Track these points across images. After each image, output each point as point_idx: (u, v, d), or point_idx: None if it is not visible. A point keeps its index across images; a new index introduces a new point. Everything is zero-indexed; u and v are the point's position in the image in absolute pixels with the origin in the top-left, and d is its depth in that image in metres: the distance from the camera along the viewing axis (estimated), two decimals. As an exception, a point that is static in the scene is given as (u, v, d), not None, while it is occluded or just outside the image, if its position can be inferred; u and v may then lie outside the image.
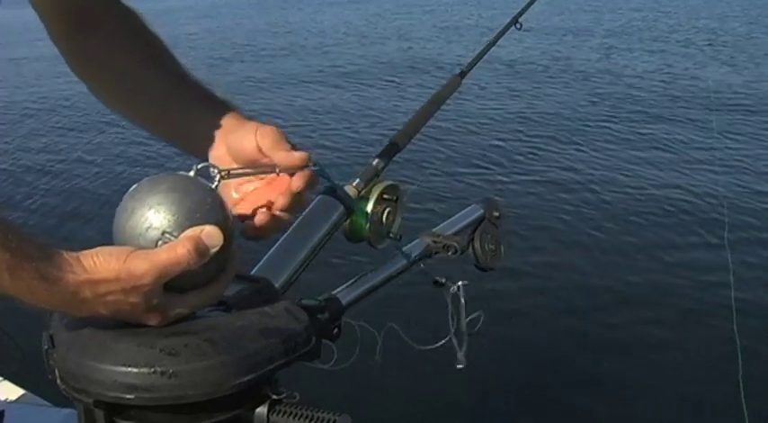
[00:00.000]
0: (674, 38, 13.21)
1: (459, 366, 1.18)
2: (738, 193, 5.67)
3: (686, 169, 6.29)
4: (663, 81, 9.81)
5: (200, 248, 0.75)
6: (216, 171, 0.84)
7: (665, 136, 7.31)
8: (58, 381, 0.77)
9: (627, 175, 6.16)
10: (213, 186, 0.83)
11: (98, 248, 0.75)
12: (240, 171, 0.90)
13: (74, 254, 0.74)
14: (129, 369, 0.72)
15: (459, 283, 1.16)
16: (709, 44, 12.35)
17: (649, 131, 7.49)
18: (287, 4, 20.05)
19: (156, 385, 0.72)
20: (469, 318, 1.16)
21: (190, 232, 0.76)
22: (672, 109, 8.37)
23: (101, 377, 0.73)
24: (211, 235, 0.76)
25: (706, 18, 15.34)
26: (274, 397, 0.78)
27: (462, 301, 1.15)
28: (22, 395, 1.51)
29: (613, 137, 7.27)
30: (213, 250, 0.76)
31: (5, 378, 1.30)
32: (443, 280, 1.15)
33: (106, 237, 0.79)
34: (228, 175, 0.87)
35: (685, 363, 3.68)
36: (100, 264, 0.73)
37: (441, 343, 1.15)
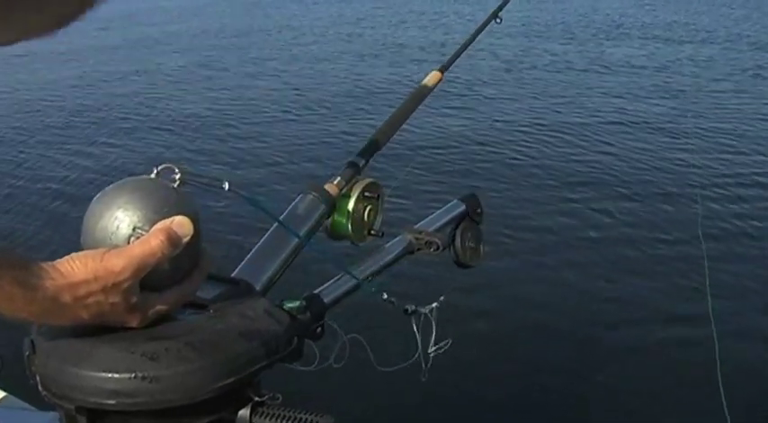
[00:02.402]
0: (657, 30, 13.26)
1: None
2: (716, 200, 5.69)
3: (671, 167, 6.28)
4: (646, 73, 9.86)
5: (172, 238, 0.75)
6: (177, 173, 0.83)
7: (650, 131, 7.32)
8: (40, 387, 0.77)
9: (610, 173, 6.15)
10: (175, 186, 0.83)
11: (72, 254, 0.75)
12: (198, 180, 0.87)
13: (50, 263, 0.73)
14: (110, 375, 0.72)
15: (434, 304, 1.14)
16: (692, 38, 12.39)
17: (634, 125, 7.50)
18: (265, 2, 19.94)
19: (137, 390, 0.72)
20: (438, 346, 1.16)
21: (160, 224, 0.76)
22: (655, 100, 8.40)
23: (82, 383, 0.72)
24: (182, 224, 0.77)
25: (689, 11, 15.42)
26: (257, 399, 0.78)
27: (434, 324, 1.14)
28: (4, 398, 1.50)
29: (595, 132, 7.27)
30: (185, 239, 0.77)
31: None
32: (413, 307, 1.13)
33: (73, 248, 0.79)
34: (186, 180, 0.85)
35: (665, 370, 3.63)
36: (77, 267, 0.73)
37: (408, 363, 1.15)
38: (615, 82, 9.41)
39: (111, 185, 0.81)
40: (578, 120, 7.72)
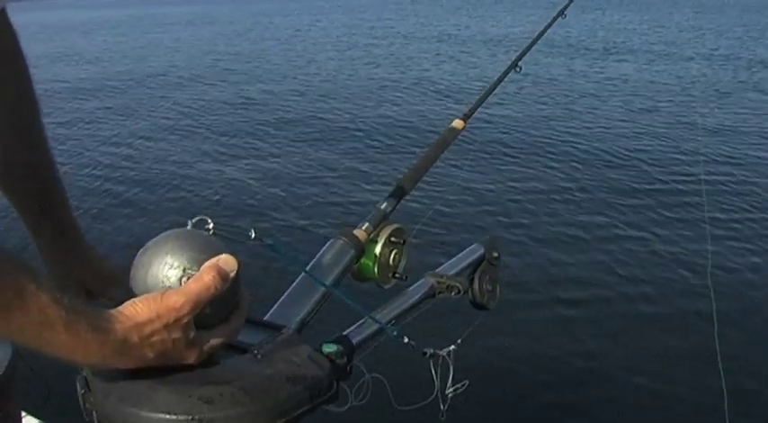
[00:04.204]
0: (676, 79, 13.31)
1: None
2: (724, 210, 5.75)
3: (680, 219, 6.33)
4: (664, 123, 9.91)
5: (222, 273, 0.82)
6: (210, 223, 0.90)
7: (665, 183, 7.34)
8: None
9: (629, 222, 6.20)
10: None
11: (133, 299, 0.81)
12: (228, 229, 0.94)
13: (116, 308, 0.79)
14: (168, 416, 0.76)
15: (452, 347, 1.19)
16: (706, 86, 12.44)
17: (651, 177, 7.53)
18: (286, 48, 19.86)
19: None
20: (455, 387, 1.20)
21: (209, 262, 0.83)
22: (673, 156, 8.42)
23: None
24: (228, 261, 0.84)
25: (709, 58, 15.47)
26: None
27: (451, 366, 1.18)
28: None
29: (616, 182, 7.32)
30: (232, 274, 0.84)
31: (29, 413, 1.32)
32: (431, 351, 1.17)
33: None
34: (216, 230, 0.92)
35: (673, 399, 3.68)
36: (140, 308, 0.79)
37: (426, 402, 1.20)
38: (643, 131, 9.46)
39: (155, 238, 0.88)
40: (596, 169, 7.80)
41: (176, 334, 0.80)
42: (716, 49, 17.05)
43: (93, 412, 0.82)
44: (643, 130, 9.49)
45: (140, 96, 12.86)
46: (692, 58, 15.60)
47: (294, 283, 1.13)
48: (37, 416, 1.50)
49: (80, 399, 0.84)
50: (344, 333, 1.11)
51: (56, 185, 1.31)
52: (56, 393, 1.09)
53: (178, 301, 0.80)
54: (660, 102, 11.35)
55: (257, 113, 11.19)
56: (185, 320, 0.81)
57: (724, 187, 7.08)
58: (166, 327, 0.79)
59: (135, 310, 0.79)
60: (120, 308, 0.80)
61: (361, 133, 9.58)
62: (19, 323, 0.73)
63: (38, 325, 0.73)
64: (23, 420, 1.09)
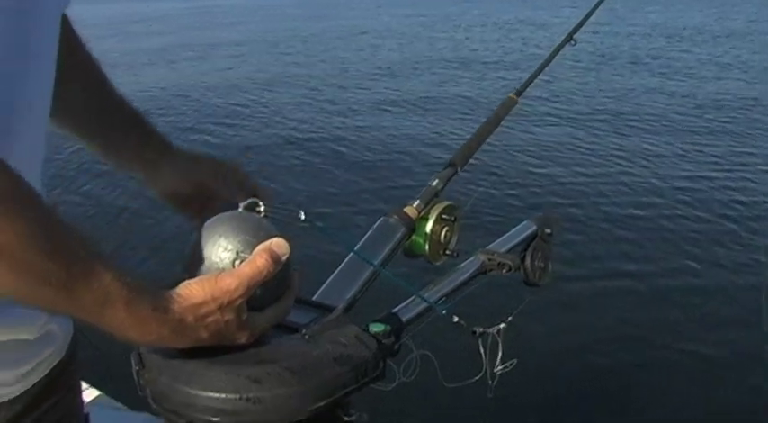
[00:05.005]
0: (735, 55, 12.84)
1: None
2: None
3: (747, 193, 6.15)
4: (725, 98, 9.60)
5: (274, 256, 0.84)
6: (261, 206, 0.92)
7: (732, 155, 7.14)
8: (150, 399, 0.84)
9: (683, 200, 6.04)
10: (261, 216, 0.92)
11: (189, 280, 0.83)
12: (279, 211, 0.95)
13: (173, 289, 0.81)
14: (218, 394, 0.79)
15: (501, 325, 1.19)
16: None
17: (713, 149, 7.32)
18: (342, 39, 19.70)
19: (241, 410, 0.78)
20: (504, 365, 1.20)
21: (262, 246, 0.85)
22: (735, 125, 8.19)
23: (192, 401, 0.79)
24: (280, 244, 0.86)
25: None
26: (346, 419, 0.85)
27: (500, 344, 1.18)
28: (103, 398, 1.58)
29: (673, 155, 7.15)
30: (284, 257, 0.86)
31: (90, 384, 1.37)
32: (480, 329, 1.17)
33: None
34: (267, 212, 0.94)
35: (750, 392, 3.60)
36: (195, 290, 0.81)
37: (475, 380, 1.20)
38: (700, 106, 9.20)
39: (208, 220, 0.89)
40: (652, 142, 7.63)
41: (229, 315, 0.82)
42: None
43: (147, 388, 0.84)
44: (707, 104, 9.23)
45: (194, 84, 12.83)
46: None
47: (343, 263, 1.13)
48: (97, 386, 1.56)
49: (135, 374, 0.86)
50: (393, 311, 1.12)
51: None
52: (114, 366, 1.12)
53: (232, 284, 0.81)
54: (724, 78, 11.02)
55: (306, 92, 11.18)
56: (238, 302, 0.82)
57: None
58: (220, 308, 0.81)
59: (191, 292, 0.81)
60: (176, 289, 0.81)
61: (413, 109, 9.52)
62: (82, 300, 0.75)
63: (100, 302, 0.75)
64: (84, 392, 1.13)
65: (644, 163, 6.97)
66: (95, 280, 0.74)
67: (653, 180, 6.50)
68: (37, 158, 0.90)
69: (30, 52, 0.83)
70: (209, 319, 0.81)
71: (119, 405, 1.51)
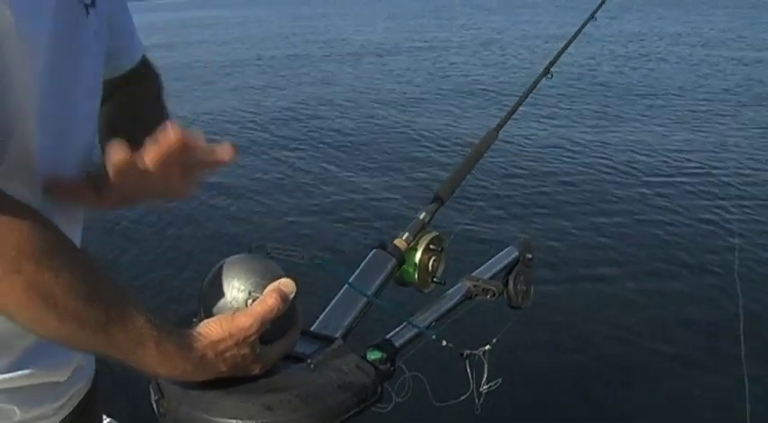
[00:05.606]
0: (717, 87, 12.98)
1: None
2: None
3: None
4: (708, 126, 9.79)
5: (283, 295, 0.93)
6: (268, 249, 1.02)
7: (710, 185, 7.26)
8: None
9: (662, 221, 6.20)
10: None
11: (206, 320, 0.92)
12: (283, 252, 1.05)
13: (191, 329, 0.90)
14: (235, 421, 0.87)
15: (487, 347, 1.27)
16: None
17: (699, 183, 7.43)
18: (323, 56, 19.58)
19: None
20: (490, 385, 1.29)
21: (271, 286, 0.94)
22: (719, 159, 8.33)
23: None
24: (287, 284, 0.95)
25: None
26: None
27: (485, 365, 1.27)
28: (112, 423, 1.66)
29: (649, 187, 7.29)
30: (291, 296, 0.94)
31: (110, 416, 1.43)
32: (467, 351, 1.25)
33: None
34: (272, 253, 1.03)
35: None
36: (214, 328, 0.90)
37: (462, 399, 1.29)
38: (676, 136, 9.38)
39: (219, 263, 0.98)
40: (629, 170, 7.81)
41: (245, 350, 0.91)
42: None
43: (167, 416, 0.92)
44: (691, 131, 9.44)
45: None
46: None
47: (339, 294, 1.22)
48: (114, 417, 1.63)
49: (154, 404, 0.95)
50: (387, 337, 1.21)
51: None
52: (131, 398, 1.21)
53: (247, 322, 0.90)
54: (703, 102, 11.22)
55: (290, 127, 11.16)
56: (253, 338, 0.91)
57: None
58: (237, 344, 0.90)
59: (210, 330, 0.90)
60: (197, 328, 0.90)
61: (396, 145, 9.63)
62: (118, 340, 0.83)
63: (135, 343, 0.84)
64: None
65: (624, 192, 7.13)
66: (130, 323, 0.83)
67: (634, 207, 6.65)
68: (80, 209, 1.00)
69: (76, 110, 0.93)
70: (227, 355, 0.90)
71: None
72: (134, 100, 1.20)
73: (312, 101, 13.28)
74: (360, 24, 26.90)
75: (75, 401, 1.08)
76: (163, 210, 7.08)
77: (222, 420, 0.87)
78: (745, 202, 6.52)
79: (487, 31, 23.60)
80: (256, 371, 0.94)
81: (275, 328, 0.94)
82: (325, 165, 8.93)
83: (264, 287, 0.94)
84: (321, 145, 9.97)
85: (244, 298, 0.94)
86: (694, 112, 10.79)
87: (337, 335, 1.13)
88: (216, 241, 6.53)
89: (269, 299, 0.92)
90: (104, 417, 1.21)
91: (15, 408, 0.96)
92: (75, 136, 0.96)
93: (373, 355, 1.05)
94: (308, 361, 0.97)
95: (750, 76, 13.34)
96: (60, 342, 0.85)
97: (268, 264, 0.98)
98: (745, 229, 5.78)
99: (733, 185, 7.02)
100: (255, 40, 22.77)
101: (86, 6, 0.93)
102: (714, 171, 7.55)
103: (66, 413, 1.06)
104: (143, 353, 0.85)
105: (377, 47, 21.11)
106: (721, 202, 6.53)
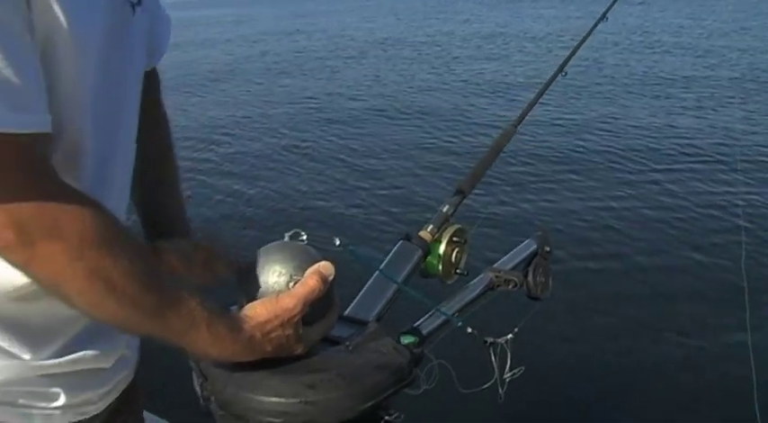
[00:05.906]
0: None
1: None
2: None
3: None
4: (722, 127, 9.82)
5: (323, 277, 0.98)
6: (303, 234, 1.06)
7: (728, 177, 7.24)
8: (215, 406, 0.96)
9: (678, 216, 6.19)
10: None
11: (253, 302, 0.96)
12: (317, 238, 1.11)
13: (241, 311, 0.95)
14: (280, 399, 0.92)
15: (509, 335, 1.32)
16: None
17: (708, 172, 7.43)
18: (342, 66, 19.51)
19: (299, 412, 0.91)
20: (513, 372, 1.33)
21: (312, 269, 0.99)
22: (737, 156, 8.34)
23: (257, 406, 0.92)
24: (327, 267, 1.00)
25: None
26: (386, 418, 0.98)
27: (509, 353, 1.32)
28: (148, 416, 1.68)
29: (667, 177, 7.31)
30: (331, 277, 0.99)
31: (148, 411, 1.45)
32: (491, 339, 1.30)
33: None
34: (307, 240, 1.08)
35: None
36: (260, 310, 0.95)
37: (486, 386, 1.33)
38: (691, 131, 9.40)
39: (262, 249, 1.03)
40: (646, 161, 7.83)
41: (289, 330, 0.95)
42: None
43: (212, 397, 0.97)
44: (710, 123, 9.45)
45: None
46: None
47: (370, 281, 1.27)
48: (154, 413, 1.66)
49: (197, 387, 0.99)
50: (416, 325, 1.25)
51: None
52: (169, 388, 1.25)
53: (291, 303, 0.94)
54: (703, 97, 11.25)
55: (314, 123, 11.18)
56: (296, 319, 0.95)
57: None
58: (282, 325, 0.94)
59: (257, 312, 0.94)
60: (243, 310, 0.95)
61: (418, 138, 9.71)
62: (171, 324, 0.88)
63: (188, 325, 0.88)
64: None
65: (638, 183, 7.14)
66: (184, 306, 0.88)
67: (647, 198, 6.67)
68: (125, 200, 1.05)
69: (123, 106, 0.98)
70: (273, 335, 0.94)
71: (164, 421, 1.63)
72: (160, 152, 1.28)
73: (330, 99, 13.26)
74: (369, 20, 26.87)
75: (121, 388, 1.11)
76: (198, 204, 7.23)
77: (267, 399, 0.92)
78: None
79: (508, 26, 23.52)
80: (299, 351, 0.98)
81: (315, 309, 0.98)
82: (345, 158, 8.95)
83: (304, 270, 0.99)
84: (345, 139, 9.97)
85: (286, 281, 0.98)
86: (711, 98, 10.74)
87: (372, 320, 1.18)
88: (250, 230, 6.61)
89: (310, 280, 0.96)
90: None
91: (62, 392, 1.00)
92: (122, 132, 1.00)
93: (406, 340, 1.10)
94: (347, 343, 1.01)
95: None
96: (117, 325, 0.89)
97: (306, 248, 1.03)
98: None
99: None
100: (265, 37, 22.67)
101: (133, 5, 0.97)
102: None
103: (112, 399, 1.09)
104: (195, 335, 0.89)
105: (394, 42, 20.97)
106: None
